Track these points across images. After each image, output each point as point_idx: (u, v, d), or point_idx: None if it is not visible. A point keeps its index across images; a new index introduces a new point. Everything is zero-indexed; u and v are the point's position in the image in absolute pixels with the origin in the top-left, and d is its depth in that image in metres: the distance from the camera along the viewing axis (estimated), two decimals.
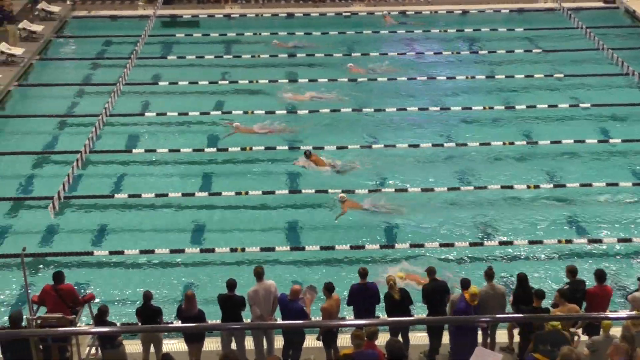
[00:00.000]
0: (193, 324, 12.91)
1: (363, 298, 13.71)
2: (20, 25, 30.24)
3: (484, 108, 25.01)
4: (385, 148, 22.65)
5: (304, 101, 25.60)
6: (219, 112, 24.89)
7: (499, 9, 34.31)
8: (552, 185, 20.67)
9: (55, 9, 32.90)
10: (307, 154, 21.56)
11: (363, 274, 13.88)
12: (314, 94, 25.99)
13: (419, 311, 15.05)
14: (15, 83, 26.89)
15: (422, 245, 18.22)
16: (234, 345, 13.73)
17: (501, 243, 18.38)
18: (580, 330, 13.48)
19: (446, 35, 31.63)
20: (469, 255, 18.06)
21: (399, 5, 34.76)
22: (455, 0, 34.89)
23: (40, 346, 12.69)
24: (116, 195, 20.36)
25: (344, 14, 34.19)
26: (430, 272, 14.01)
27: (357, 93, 26.37)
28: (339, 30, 31.89)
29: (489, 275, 13.84)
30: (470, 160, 22.22)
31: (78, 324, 13.53)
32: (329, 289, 13.62)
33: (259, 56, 29.27)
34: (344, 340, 13.58)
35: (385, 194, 20.39)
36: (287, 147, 22.71)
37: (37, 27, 30.63)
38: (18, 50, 28.14)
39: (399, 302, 13.57)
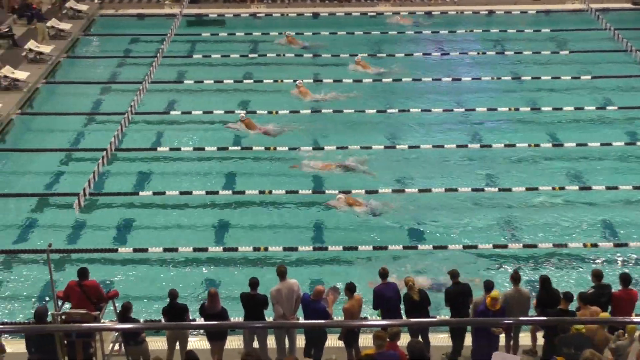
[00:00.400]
0: (215, 322, 12.97)
1: (386, 299, 13.69)
2: (49, 24, 30.56)
3: (510, 109, 24.87)
4: (409, 149, 22.59)
5: (327, 101, 25.60)
6: (244, 111, 24.95)
7: (525, 10, 34.11)
8: (577, 188, 20.50)
9: (83, 7, 33.21)
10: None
11: (384, 274, 13.86)
12: (335, 94, 25.98)
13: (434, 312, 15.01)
14: (43, 81, 27.16)
15: (445, 247, 18.15)
16: (256, 344, 13.77)
17: (526, 246, 18.25)
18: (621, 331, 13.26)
19: (472, 36, 31.52)
20: (493, 257, 17.95)
21: (424, 6, 34.67)
22: (481, 1, 34.74)
23: (65, 341, 12.80)
24: (141, 193, 20.50)
25: (369, 13, 34.15)
26: (454, 275, 13.93)
27: (381, 93, 26.36)
28: (364, 30, 31.91)
29: (515, 279, 13.76)
30: (494, 161, 22.10)
31: (102, 320, 13.64)
32: (350, 289, 13.63)
33: (284, 55, 29.33)
34: (365, 341, 13.57)
35: (410, 194, 20.34)
36: (311, 147, 22.71)
37: (65, 26, 30.92)
38: (46, 49, 28.42)
39: (418, 303, 13.54)
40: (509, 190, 20.43)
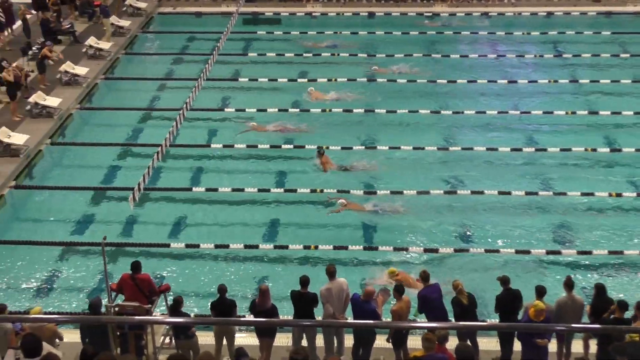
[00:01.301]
0: (265, 319, 13.01)
1: (431, 301, 13.60)
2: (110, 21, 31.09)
3: (566, 113, 24.45)
4: (462, 150, 22.40)
5: (378, 101, 25.55)
6: (297, 110, 25.07)
7: (585, 11, 33.47)
8: (635, 194, 20.06)
9: (142, 5, 33.71)
10: (320, 152, 21.62)
11: (425, 277, 13.76)
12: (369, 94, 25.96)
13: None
14: (102, 76, 27.66)
15: (497, 251, 17.95)
16: (304, 342, 13.80)
17: (580, 252, 17.93)
18: None
19: (529, 38, 31.09)
20: (545, 262, 17.69)
21: (481, 7, 34.31)
22: (540, 2, 34.24)
23: (118, 333, 13.01)
24: (194, 189, 20.73)
25: (425, 14, 33.94)
26: (504, 281, 13.75)
27: (435, 94, 26.20)
28: (419, 30, 31.76)
29: (569, 285, 13.51)
30: (549, 165, 21.78)
31: (154, 313, 13.82)
32: (399, 291, 13.58)
33: (338, 55, 29.33)
34: (414, 342, 13.50)
35: (460, 196, 20.17)
36: (363, 147, 22.68)
37: (124, 23, 31.43)
38: (105, 45, 28.93)
39: (467, 307, 13.41)
40: (564, 194, 20.11)
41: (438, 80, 27.00)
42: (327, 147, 22.04)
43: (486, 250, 17.98)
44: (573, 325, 13.21)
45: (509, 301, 13.58)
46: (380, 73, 27.60)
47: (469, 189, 20.50)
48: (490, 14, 33.70)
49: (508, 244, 18.31)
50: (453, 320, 13.57)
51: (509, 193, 20.17)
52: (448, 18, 33.42)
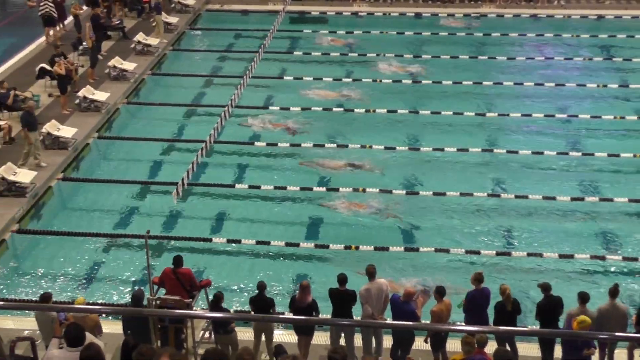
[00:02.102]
0: (304, 317, 13.04)
1: (478, 304, 13.50)
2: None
3: (615, 117, 24.06)
4: (507, 153, 22.18)
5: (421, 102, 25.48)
6: (341, 109, 25.07)
7: (636, 15, 32.87)
8: None
9: (190, 2, 34.03)
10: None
11: (480, 279, 13.64)
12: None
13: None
14: (149, 72, 27.99)
15: (540, 255, 17.74)
16: (342, 341, 13.80)
17: (625, 258, 17.63)
18: None
19: (578, 41, 30.65)
20: (590, 268, 17.44)
21: (530, 9, 33.93)
22: (590, 5, 33.72)
23: (159, 326, 13.15)
24: (237, 185, 20.86)
25: (472, 14, 33.69)
26: (545, 288, 13.57)
27: (480, 96, 26.01)
28: (466, 32, 31.55)
29: (613, 292, 13.28)
30: (596, 170, 21.45)
31: (194, 308, 13.94)
32: (440, 292, 13.49)
33: (384, 55, 29.26)
34: (453, 345, 13.42)
35: (505, 200, 19.98)
36: (406, 148, 22.60)
37: (172, 19, 31.77)
38: (153, 41, 29.26)
39: (510, 313, 13.28)
40: (611, 200, 19.79)
41: (484, 82, 26.78)
42: (370, 147, 22.07)
43: (528, 254, 17.78)
44: (616, 334, 12.98)
45: (550, 308, 13.39)
46: (422, 74, 27.49)
47: (512, 193, 20.28)
48: (539, 15, 33.31)
49: (551, 248, 18.08)
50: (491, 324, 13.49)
51: (553, 198, 19.91)
52: (530, 20, 33.10)
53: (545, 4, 34.00)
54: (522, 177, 21.27)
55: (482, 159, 22.09)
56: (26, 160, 20.55)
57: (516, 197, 20.06)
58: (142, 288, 15.12)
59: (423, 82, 27.07)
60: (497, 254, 17.87)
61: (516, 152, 22.13)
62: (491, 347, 11.53)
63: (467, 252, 17.92)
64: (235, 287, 16.95)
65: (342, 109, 25.07)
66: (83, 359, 7.61)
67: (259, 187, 20.59)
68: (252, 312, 13.78)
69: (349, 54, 29.59)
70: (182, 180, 19.49)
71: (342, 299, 13.55)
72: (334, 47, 30.30)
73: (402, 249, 18.17)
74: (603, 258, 17.64)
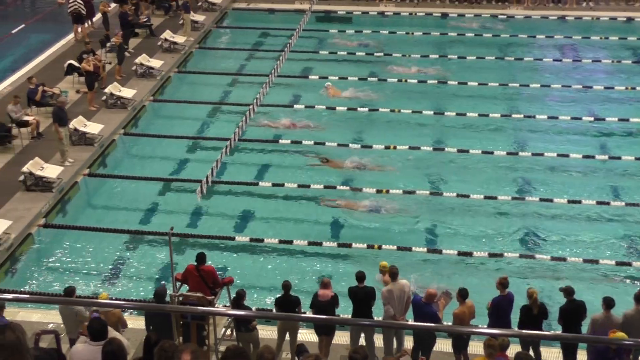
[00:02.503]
0: (325, 316, 13.04)
1: (503, 310, 13.42)
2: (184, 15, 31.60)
3: None
4: (533, 156, 22.04)
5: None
6: (366, 110, 25.05)
7: None
8: None
9: (217, 0, 34.16)
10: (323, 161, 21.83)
11: (505, 284, 13.55)
12: None
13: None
14: (175, 70, 28.15)
15: (564, 259, 17.62)
16: (362, 341, 13.79)
17: None
18: None
19: (607, 43, 30.36)
20: (615, 273, 17.27)
21: (558, 10, 33.67)
22: (619, 7, 33.39)
23: (181, 322, 13.23)
24: (260, 183, 20.91)
25: (499, 16, 33.50)
26: (569, 292, 13.45)
27: (507, 98, 25.87)
28: (492, 33, 31.39)
29: (639, 297, 13.14)
30: (623, 174, 21.24)
31: (216, 305, 14.00)
32: (462, 295, 13.43)
33: (409, 56, 29.17)
34: (473, 348, 13.36)
35: (530, 203, 19.85)
36: (431, 148, 22.54)
37: (199, 17, 31.91)
38: (180, 39, 29.42)
39: (535, 317, 13.19)
40: (637, 205, 19.59)
41: (510, 84, 26.63)
42: (395, 147, 22.07)
43: (552, 258, 17.67)
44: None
45: (573, 312, 13.28)
46: (447, 75, 27.40)
47: (537, 196, 20.15)
48: (567, 17, 33.06)
49: (576, 252, 17.94)
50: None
51: (579, 202, 19.75)
52: (559, 22, 32.89)
53: (574, 5, 33.71)
54: (547, 179, 21.12)
55: (507, 161, 21.95)
56: (66, 156, 20.74)
57: (541, 200, 19.93)
58: (164, 284, 15.23)
59: (448, 82, 26.96)
60: (521, 256, 17.77)
61: (541, 155, 21.98)
62: (512, 350, 11.45)
63: (490, 254, 17.83)
64: (257, 286, 16.98)
65: (366, 109, 25.04)
66: (105, 354, 7.67)
67: (282, 185, 20.64)
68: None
69: (375, 54, 29.51)
70: (207, 177, 19.56)
71: (361, 296, 13.54)
72: (359, 47, 30.20)
73: (425, 250, 18.12)
74: (629, 264, 17.46)
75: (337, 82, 26.90)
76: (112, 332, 9.42)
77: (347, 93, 25.87)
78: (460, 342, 13.51)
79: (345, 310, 14.16)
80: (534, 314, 13.16)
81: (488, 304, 13.64)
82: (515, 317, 13.52)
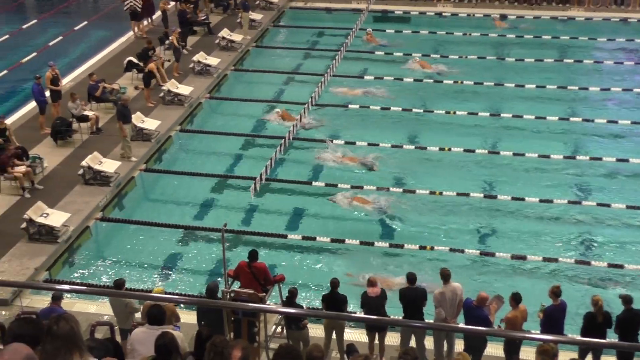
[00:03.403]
0: (375, 317, 13.03)
1: (555, 319, 13.22)
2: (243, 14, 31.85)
3: None
4: (591, 160, 21.66)
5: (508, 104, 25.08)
6: (421, 111, 24.93)
7: None
8: None
9: None
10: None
11: (557, 293, 13.34)
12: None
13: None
14: (232, 67, 28.40)
15: (621, 266, 17.27)
16: (412, 343, 13.74)
17: None
18: None
19: None
20: None
21: (620, 12, 32.95)
22: None
23: (232, 318, 13.35)
24: (313, 183, 20.96)
25: (559, 17, 32.97)
26: (627, 300, 13.16)
27: (565, 100, 25.47)
28: (552, 35, 30.91)
29: None
30: None
31: (267, 302, 14.08)
32: (516, 299, 13.27)
33: (466, 57, 28.92)
34: (526, 354, 13.19)
35: (585, 207, 19.50)
36: (486, 151, 22.31)
37: (256, 16, 32.13)
38: (237, 37, 29.67)
39: (599, 325, 12.92)
40: None
41: (569, 87, 26.20)
42: (449, 149, 21.91)
43: (609, 265, 17.34)
44: None
45: (630, 322, 13.00)
46: (503, 76, 27.07)
47: (594, 201, 19.79)
48: (629, 19, 32.36)
49: (635, 260, 17.56)
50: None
51: (638, 208, 19.34)
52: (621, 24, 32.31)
53: (637, 7, 32.96)
54: (605, 184, 20.74)
55: (565, 165, 21.61)
56: (129, 153, 21.14)
57: (598, 204, 19.56)
58: (216, 280, 15.37)
59: (505, 84, 26.65)
60: (576, 262, 17.48)
61: (600, 159, 21.59)
62: (563, 357, 11.27)
63: (544, 259, 17.57)
64: (308, 284, 17.03)
65: (421, 110, 24.91)
66: (157, 347, 7.80)
67: (335, 186, 20.64)
68: (324, 309, 13.86)
69: (431, 55, 29.31)
70: (260, 175, 19.70)
71: (412, 297, 13.49)
72: (419, 47, 30.02)
73: (478, 252, 17.94)
74: None
75: (391, 83, 26.81)
76: (167, 326, 9.61)
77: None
78: (512, 347, 13.34)
79: (394, 311, 14.10)
80: (598, 322, 12.90)
81: (538, 314, 13.44)
82: (570, 324, 13.32)
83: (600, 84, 26.29)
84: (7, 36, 32.04)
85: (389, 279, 16.64)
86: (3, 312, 15.34)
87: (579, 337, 12.81)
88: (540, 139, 23.05)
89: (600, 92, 25.89)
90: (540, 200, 19.66)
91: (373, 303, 13.47)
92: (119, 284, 13.53)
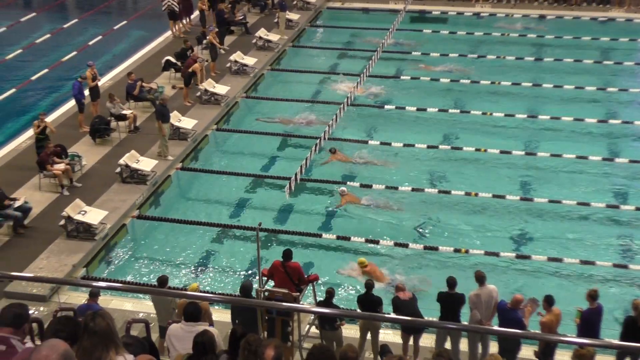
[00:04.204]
0: (410, 318, 12.99)
1: (592, 322, 13.06)
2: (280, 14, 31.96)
3: None
4: (630, 163, 21.37)
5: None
6: (457, 111, 24.79)
7: None
8: None
9: None
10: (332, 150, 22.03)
11: (594, 296, 13.17)
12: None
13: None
14: (269, 67, 28.50)
15: (625, 267, 17.05)
16: (447, 345, 13.67)
17: None
18: None
19: None
20: None
21: None
22: None
23: (266, 317, 13.40)
24: (348, 183, 20.93)
25: (599, 18, 32.54)
26: None
27: (604, 102, 25.16)
28: (592, 35, 30.54)
29: None
30: None
31: (301, 302, 14.10)
32: (549, 302, 13.13)
33: (504, 57, 28.68)
34: (561, 356, 13.06)
35: (625, 212, 19.23)
36: (523, 152, 22.11)
37: (294, 16, 32.21)
38: (274, 37, 29.78)
39: (639, 329, 12.74)
40: None
41: (608, 88, 25.86)
42: (485, 150, 21.78)
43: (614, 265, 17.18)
44: None
45: None
46: (542, 77, 26.78)
47: (633, 204, 19.53)
48: None
49: None
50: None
51: None
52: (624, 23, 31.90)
53: None
54: None
55: (603, 168, 21.35)
56: (167, 152, 21.34)
57: (637, 209, 19.29)
58: (250, 280, 15.43)
59: (543, 85, 26.39)
60: (614, 266, 17.26)
61: (639, 162, 21.28)
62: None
63: (582, 262, 17.37)
64: (342, 284, 17.03)
65: (458, 111, 24.77)
66: (195, 344, 7.92)
67: (370, 187, 20.61)
68: (359, 310, 13.85)
69: (468, 55, 29.12)
70: (295, 175, 19.74)
71: (450, 302, 13.43)
72: (454, 47, 29.87)
73: (514, 255, 17.79)
74: None
75: (426, 84, 26.68)
76: (204, 324, 9.71)
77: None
78: (546, 349, 13.21)
79: (429, 312, 14.05)
80: (639, 326, 12.72)
81: (575, 319, 13.29)
82: (606, 327, 13.16)
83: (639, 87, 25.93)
84: (48, 35, 32.56)
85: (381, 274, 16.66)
86: (41, 308, 15.57)
87: (615, 342, 12.65)
88: (578, 141, 22.79)
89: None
90: (578, 203, 19.42)
91: (408, 306, 13.42)
92: (162, 280, 13.63)
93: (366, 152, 22.33)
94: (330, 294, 13.54)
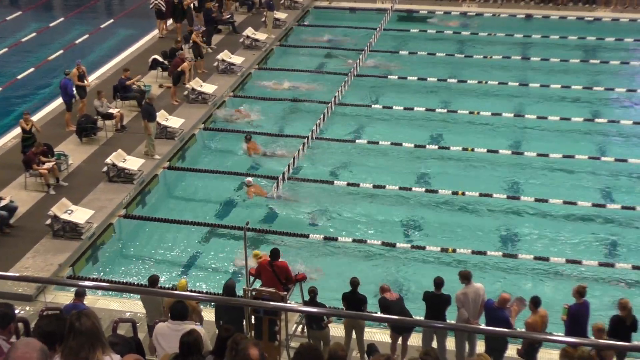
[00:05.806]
0: (397, 317, 12.99)
1: (579, 317, 13.13)
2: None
3: None
4: (615, 162, 21.49)
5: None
6: (445, 110, 24.84)
7: None
8: None
9: None
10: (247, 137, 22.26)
11: (582, 292, 13.24)
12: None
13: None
14: (256, 66, 28.44)
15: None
16: (434, 344, 13.70)
17: None
18: None
19: None
20: None
21: None
22: None
23: (253, 317, 13.39)
24: (335, 182, 20.95)
25: (586, 18, 32.67)
26: None
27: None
28: (578, 35, 30.66)
29: None
30: None
31: (288, 301, 14.10)
32: (535, 302, 13.19)
33: (490, 57, 28.76)
34: (548, 355, 13.12)
35: (612, 210, 19.33)
36: (509, 152, 22.19)
37: (281, 15, 32.16)
38: (261, 36, 29.73)
39: (627, 328, 12.80)
40: None
41: (594, 87, 25.99)
42: (472, 149, 21.85)
43: (634, 267, 17.21)
44: None
45: None
46: (528, 77, 26.87)
47: (619, 203, 19.63)
48: None
49: None
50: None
51: None
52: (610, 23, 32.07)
53: None
54: (631, 186, 20.55)
55: (589, 167, 21.44)
56: (153, 151, 21.27)
57: (623, 207, 19.41)
58: (233, 278, 15.36)
59: (530, 84, 26.49)
60: (600, 265, 17.35)
61: (625, 161, 21.41)
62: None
63: (568, 261, 17.45)
64: (330, 284, 16.99)
65: (445, 110, 24.82)
66: (182, 344, 7.89)
67: (357, 185, 20.63)
68: (344, 308, 13.86)
69: (455, 55, 29.18)
70: (283, 174, 19.72)
71: (437, 302, 13.45)
72: (441, 47, 29.92)
73: (501, 254, 17.84)
74: None
75: (416, 84, 26.73)
76: (190, 323, 9.69)
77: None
78: (529, 349, 13.26)
79: (416, 311, 14.08)
80: (627, 325, 12.79)
81: (562, 317, 13.35)
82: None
83: (627, 85, 26.03)
84: (34, 34, 32.38)
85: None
86: (27, 308, 15.50)
87: (602, 341, 12.69)
88: (564, 140, 22.87)
89: (627, 92, 25.65)
90: (564, 202, 19.51)
91: (395, 306, 13.43)
92: (152, 280, 13.59)
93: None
94: (313, 292, 13.54)
